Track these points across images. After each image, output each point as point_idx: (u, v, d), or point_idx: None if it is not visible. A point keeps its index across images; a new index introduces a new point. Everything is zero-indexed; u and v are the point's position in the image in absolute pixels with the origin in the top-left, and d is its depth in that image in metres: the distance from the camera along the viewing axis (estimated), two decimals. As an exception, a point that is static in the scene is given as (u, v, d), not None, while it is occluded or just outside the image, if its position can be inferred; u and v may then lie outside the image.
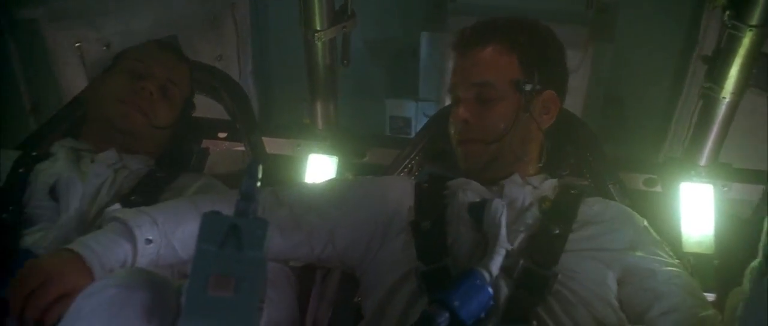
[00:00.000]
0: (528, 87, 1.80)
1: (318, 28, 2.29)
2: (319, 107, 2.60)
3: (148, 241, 1.55)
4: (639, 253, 1.69)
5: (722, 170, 2.45)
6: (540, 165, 1.94)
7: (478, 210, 1.69)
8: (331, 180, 2.29)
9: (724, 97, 2.23)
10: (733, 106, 2.26)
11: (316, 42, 2.32)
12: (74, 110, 2.35)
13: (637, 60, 3.55)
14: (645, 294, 1.62)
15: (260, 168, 1.26)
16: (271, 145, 2.56)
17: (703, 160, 2.42)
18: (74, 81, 2.79)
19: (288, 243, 1.74)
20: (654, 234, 1.79)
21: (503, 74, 1.81)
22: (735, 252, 2.15)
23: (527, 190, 1.80)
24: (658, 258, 1.70)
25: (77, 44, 2.74)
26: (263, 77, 3.79)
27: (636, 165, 2.57)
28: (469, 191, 1.80)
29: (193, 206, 1.65)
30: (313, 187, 2.00)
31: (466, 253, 1.66)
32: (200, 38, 2.92)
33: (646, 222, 1.81)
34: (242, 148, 2.51)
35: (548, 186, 1.85)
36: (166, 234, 1.58)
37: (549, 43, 1.92)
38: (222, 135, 2.56)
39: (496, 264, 1.55)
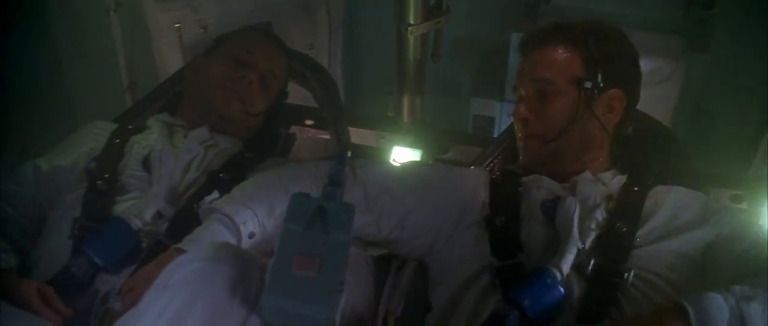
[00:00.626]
0: (588, 84, 1.78)
1: (412, 22, 2.32)
2: (405, 101, 2.63)
3: (251, 235, 1.64)
4: (712, 221, 1.67)
5: (815, 191, 2.38)
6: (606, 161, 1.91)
7: (551, 208, 1.70)
8: (409, 164, 2.33)
9: (820, 117, 2.18)
10: (830, 126, 2.21)
11: (409, 36, 2.34)
12: (170, 87, 2.43)
13: (731, 73, 3.44)
14: (724, 244, 1.62)
15: (349, 154, 1.30)
16: (355, 135, 2.59)
17: (795, 180, 2.37)
18: (171, 60, 2.86)
19: (356, 223, 1.78)
20: (718, 202, 1.78)
21: (564, 71, 1.80)
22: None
23: (598, 187, 1.79)
24: (730, 218, 1.69)
25: (177, 25, 2.81)
26: (350, 68, 3.84)
27: (723, 180, 2.50)
28: (543, 188, 1.80)
29: (282, 189, 1.71)
30: (390, 168, 2.04)
31: (538, 250, 1.67)
32: (294, 26, 2.96)
33: (709, 197, 1.80)
34: (326, 136, 2.55)
35: (617, 183, 1.83)
36: (263, 223, 1.66)
37: (616, 42, 1.88)
38: (309, 122, 2.61)
39: (568, 262, 1.56)
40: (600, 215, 1.70)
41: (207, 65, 2.18)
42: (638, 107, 1.98)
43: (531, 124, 1.83)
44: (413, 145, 2.62)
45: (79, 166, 1.95)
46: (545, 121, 1.81)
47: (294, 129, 2.56)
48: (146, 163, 1.96)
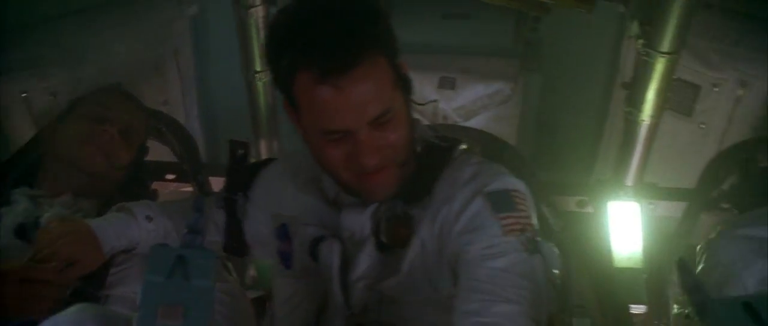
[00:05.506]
0: (405, 83, 1.41)
1: (257, 69, 2.39)
2: (262, 145, 2.69)
3: (149, 218, 1.79)
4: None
5: (647, 189, 2.57)
6: None
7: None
8: None
9: (643, 120, 2.37)
10: (653, 129, 2.40)
11: (257, 82, 2.41)
12: (25, 157, 2.39)
13: (565, 89, 3.65)
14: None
15: (206, 203, 1.35)
16: (219, 184, 2.60)
17: (630, 181, 2.55)
18: (21, 130, 2.81)
19: None
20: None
21: (388, 86, 1.36)
22: (663, 266, 2.26)
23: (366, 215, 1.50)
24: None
25: (23, 94, 2.78)
26: (208, 120, 3.85)
27: (568, 188, 2.66)
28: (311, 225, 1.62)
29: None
30: None
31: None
32: (145, 84, 2.96)
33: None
34: (190, 189, 2.57)
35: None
36: (160, 217, 1.81)
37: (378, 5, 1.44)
38: (170, 177, 2.62)
39: None
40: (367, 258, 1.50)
41: (64, 128, 2.18)
42: (483, 128, 2.05)
43: (384, 156, 1.38)
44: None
45: None
46: (397, 148, 1.40)
47: (156, 185, 2.57)
48: (20, 233, 1.93)
